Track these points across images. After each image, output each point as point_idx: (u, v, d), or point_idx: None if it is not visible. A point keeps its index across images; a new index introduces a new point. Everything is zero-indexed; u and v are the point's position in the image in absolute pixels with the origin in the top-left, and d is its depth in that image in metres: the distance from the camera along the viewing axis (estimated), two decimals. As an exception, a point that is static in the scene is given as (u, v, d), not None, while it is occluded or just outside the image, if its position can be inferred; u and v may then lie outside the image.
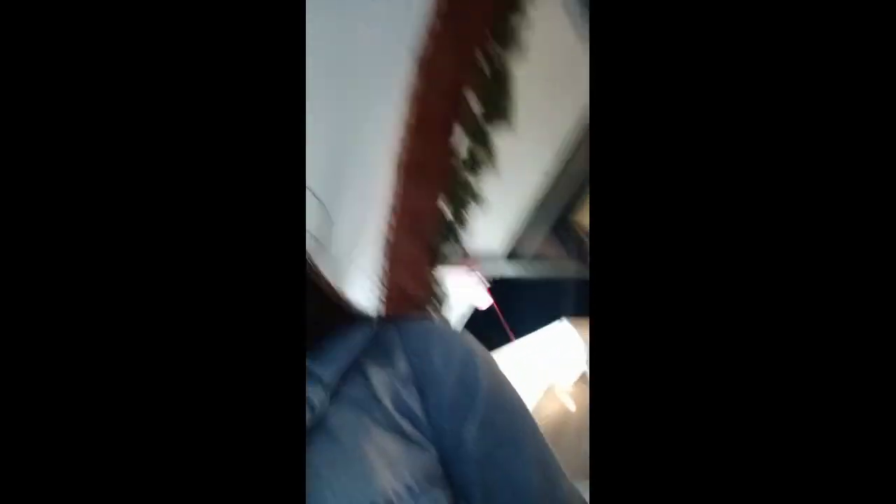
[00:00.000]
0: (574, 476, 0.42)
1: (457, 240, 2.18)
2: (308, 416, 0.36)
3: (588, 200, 2.98)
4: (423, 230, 2.19)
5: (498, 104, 1.91)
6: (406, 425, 0.38)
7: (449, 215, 2.16)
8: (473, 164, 2.06)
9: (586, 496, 0.36)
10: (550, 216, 3.00)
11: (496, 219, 2.68)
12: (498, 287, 2.89)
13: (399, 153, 2.08)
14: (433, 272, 2.23)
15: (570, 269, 3.28)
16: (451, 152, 2.11)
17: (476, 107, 1.98)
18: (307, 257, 0.41)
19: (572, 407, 2.88)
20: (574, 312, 3.23)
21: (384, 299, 2.23)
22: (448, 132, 2.10)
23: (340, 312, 0.44)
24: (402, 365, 0.41)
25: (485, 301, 2.81)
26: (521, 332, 3.11)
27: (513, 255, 3.07)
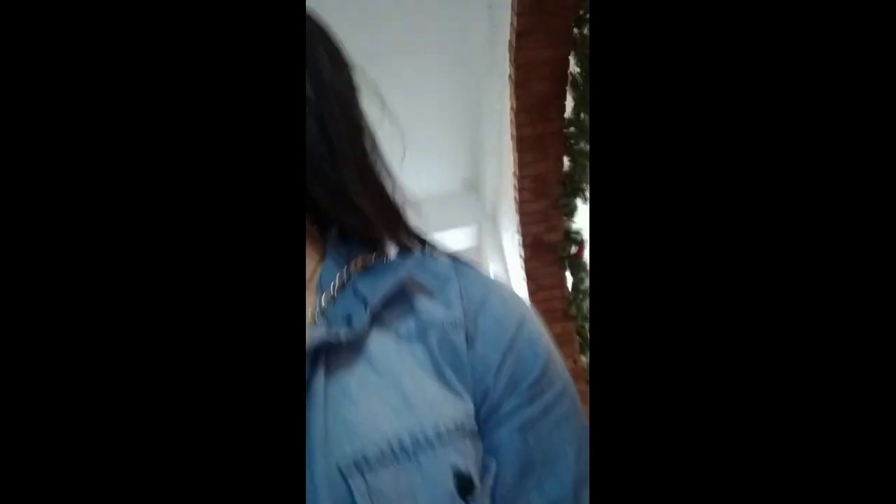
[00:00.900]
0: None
1: (580, 194, 2.55)
2: (345, 331, 0.34)
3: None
4: (547, 190, 2.61)
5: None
6: (447, 370, 0.36)
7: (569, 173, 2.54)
8: (581, 127, 2.38)
9: None
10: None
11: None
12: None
13: (512, 131, 2.50)
14: (562, 222, 2.65)
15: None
16: (561, 120, 2.46)
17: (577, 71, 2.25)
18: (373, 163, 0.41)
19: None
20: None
21: (523, 246, 2.72)
22: (555, 104, 2.43)
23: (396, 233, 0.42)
24: (455, 307, 0.38)
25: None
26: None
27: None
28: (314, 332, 0.33)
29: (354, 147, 0.41)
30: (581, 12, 2.14)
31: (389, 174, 0.42)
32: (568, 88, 2.35)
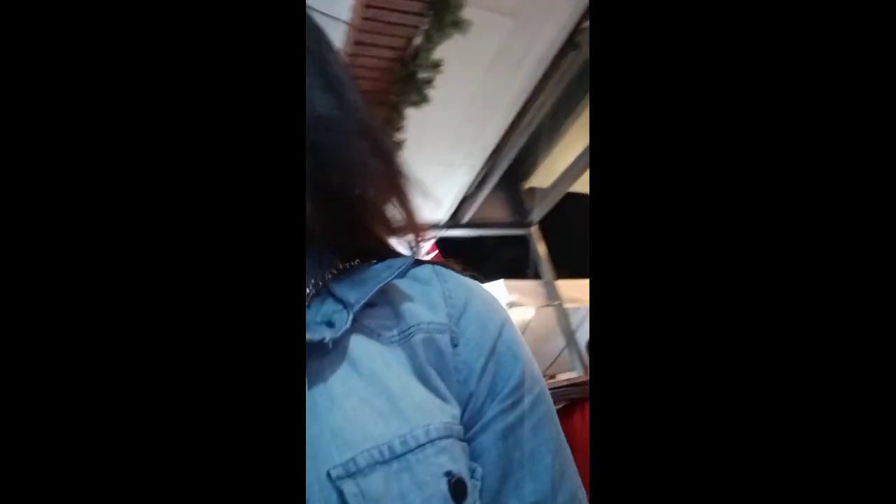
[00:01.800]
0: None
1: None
2: (328, 333, 0.33)
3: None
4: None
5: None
6: (433, 374, 0.36)
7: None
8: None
9: None
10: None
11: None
12: (443, 244, 3.46)
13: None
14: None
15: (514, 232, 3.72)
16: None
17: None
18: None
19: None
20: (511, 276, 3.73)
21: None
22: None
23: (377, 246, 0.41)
24: (439, 311, 0.38)
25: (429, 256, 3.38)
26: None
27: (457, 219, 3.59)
28: None
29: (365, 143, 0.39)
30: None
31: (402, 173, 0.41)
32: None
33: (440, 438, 0.33)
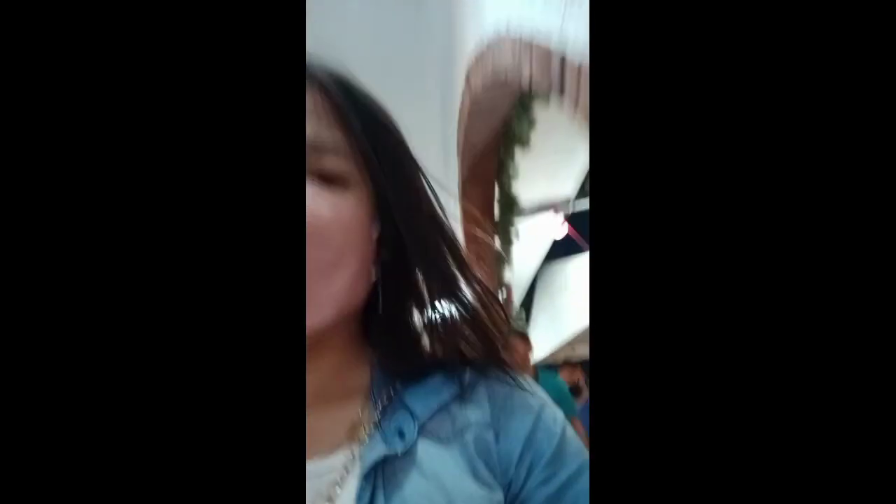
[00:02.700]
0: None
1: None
2: (400, 445, 0.40)
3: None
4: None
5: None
6: (481, 466, 0.41)
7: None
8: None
9: None
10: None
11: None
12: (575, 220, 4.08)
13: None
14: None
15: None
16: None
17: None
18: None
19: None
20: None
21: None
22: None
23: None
24: (484, 409, 0.43)
25: (562, 231, 3.90)
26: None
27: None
28: (374, 447, 0.40)
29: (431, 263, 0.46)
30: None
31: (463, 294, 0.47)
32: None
33: None
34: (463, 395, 0.44)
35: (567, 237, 4.71)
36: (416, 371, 0.45)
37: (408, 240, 0.43)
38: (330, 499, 0.39)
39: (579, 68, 1.32)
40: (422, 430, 0.42)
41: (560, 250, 6.07)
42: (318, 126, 0.40)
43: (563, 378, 3.68)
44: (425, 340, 0.47)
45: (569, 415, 1.99)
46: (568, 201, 4.19)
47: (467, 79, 2.41)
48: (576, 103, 1.35)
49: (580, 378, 4.57)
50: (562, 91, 1.43)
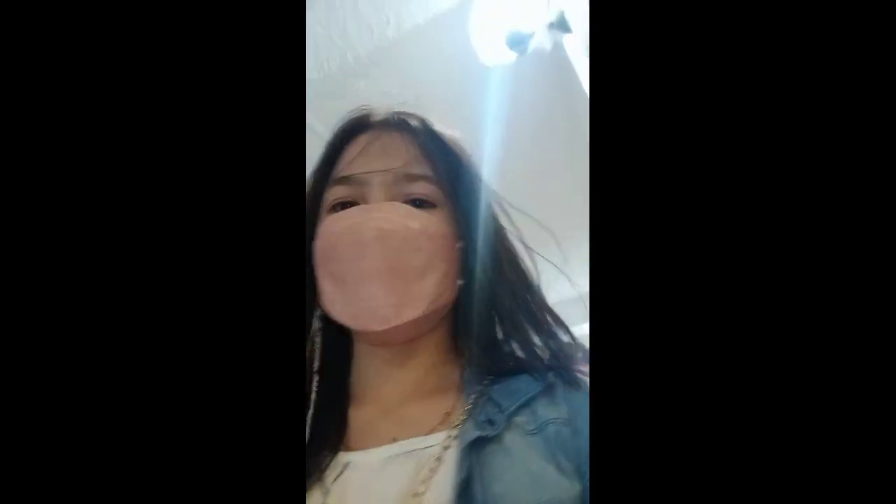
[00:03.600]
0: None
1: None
2: (489, 430, 0.45)
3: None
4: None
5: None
6: (562, 458, 0.45)
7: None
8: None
9: None
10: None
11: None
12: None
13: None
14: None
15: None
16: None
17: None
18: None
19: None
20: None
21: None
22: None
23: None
24: (561, 407, 0.48)
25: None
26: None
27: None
28: (468, 430, 0.45)
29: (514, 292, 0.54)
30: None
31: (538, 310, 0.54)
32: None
33: None
34: (545, 393, 0.49)
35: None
36: (502, 371, 0.51)
37: (482, 254, 0.52)
38: (433, 469, 0.44)
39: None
40: (509, 422, 0.46)
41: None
42: (407, 160, 0.52)
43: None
44: (509, 346, 0.53)
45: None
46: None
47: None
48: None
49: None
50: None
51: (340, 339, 0.55)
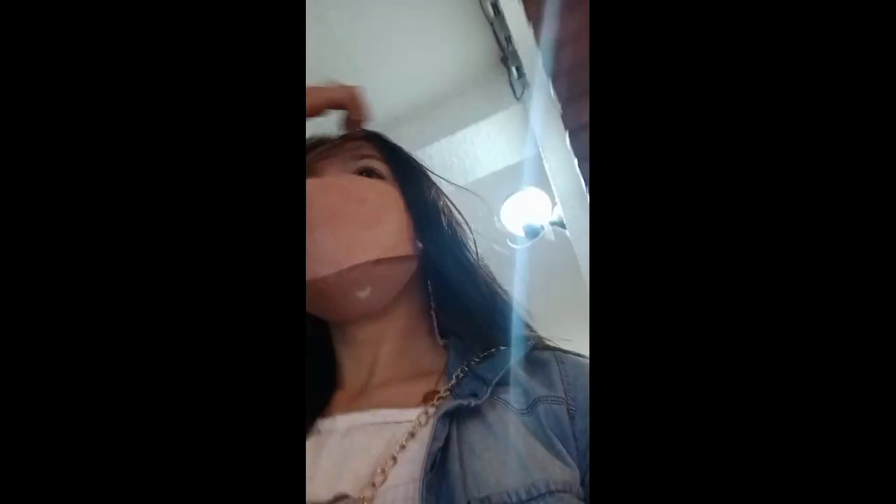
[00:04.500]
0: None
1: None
2: (471, 401, 0.43)
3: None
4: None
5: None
6: (556, 440, 0.42)
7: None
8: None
9: None
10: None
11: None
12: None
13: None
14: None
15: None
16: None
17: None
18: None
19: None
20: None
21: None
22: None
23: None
24: (557, 387, 0.46)
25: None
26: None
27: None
28: (448, 402, 0.43)
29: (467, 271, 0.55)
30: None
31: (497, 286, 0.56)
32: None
33: (559, 492, 0.39)
34: (537, 370, 0.48)
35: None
36: (485, 348, 0.51)
37: (427, 234, 0.53)
38: (402, 446, 0.42)
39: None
40: (497, 400, 0.45)
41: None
42: (370, 159, 0.56)
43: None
44: (477, 321, 0.53)
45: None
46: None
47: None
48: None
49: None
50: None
51: (318, 325, 0.56)
